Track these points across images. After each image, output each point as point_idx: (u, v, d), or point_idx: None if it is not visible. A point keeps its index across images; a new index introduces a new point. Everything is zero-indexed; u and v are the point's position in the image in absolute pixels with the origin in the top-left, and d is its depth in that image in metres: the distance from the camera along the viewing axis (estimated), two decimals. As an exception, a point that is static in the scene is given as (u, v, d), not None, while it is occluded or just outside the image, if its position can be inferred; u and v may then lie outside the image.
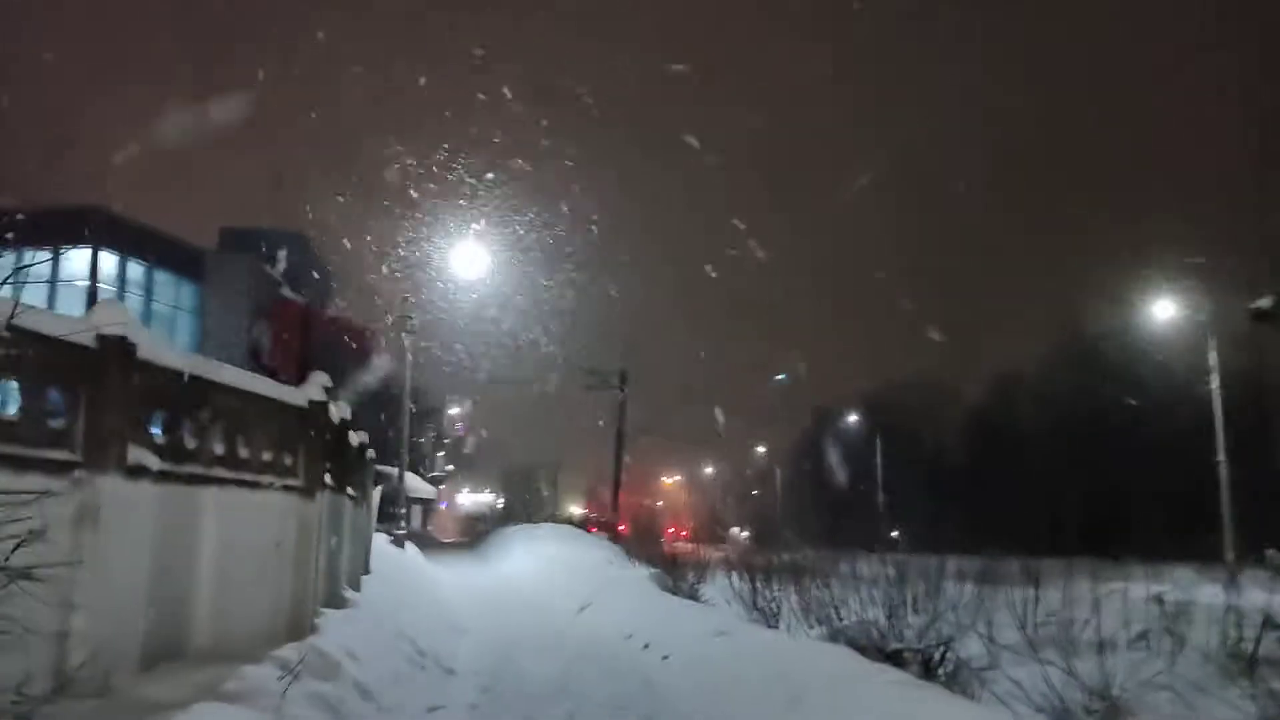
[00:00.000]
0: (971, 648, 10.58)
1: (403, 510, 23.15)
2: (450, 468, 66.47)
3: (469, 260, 25.88)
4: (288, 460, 7.16)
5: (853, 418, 67.30)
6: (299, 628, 7.08)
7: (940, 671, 10.09)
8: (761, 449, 79.24)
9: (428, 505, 55.95)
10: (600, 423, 41.53)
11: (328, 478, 8.62)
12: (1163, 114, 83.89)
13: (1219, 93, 74.39)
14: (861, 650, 10.59)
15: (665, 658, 10.50)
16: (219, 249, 34.41)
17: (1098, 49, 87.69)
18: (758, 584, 16.90)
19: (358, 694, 6.40)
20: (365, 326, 41.82)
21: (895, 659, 10.42)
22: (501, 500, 68.20)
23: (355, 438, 11.63)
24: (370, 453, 14.08)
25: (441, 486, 72.87)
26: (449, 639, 11.88)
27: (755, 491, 77.94)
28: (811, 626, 13.88)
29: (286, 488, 7.08)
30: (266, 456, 6.88)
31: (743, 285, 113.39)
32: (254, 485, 6.67)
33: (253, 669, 5.50)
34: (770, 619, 15.04)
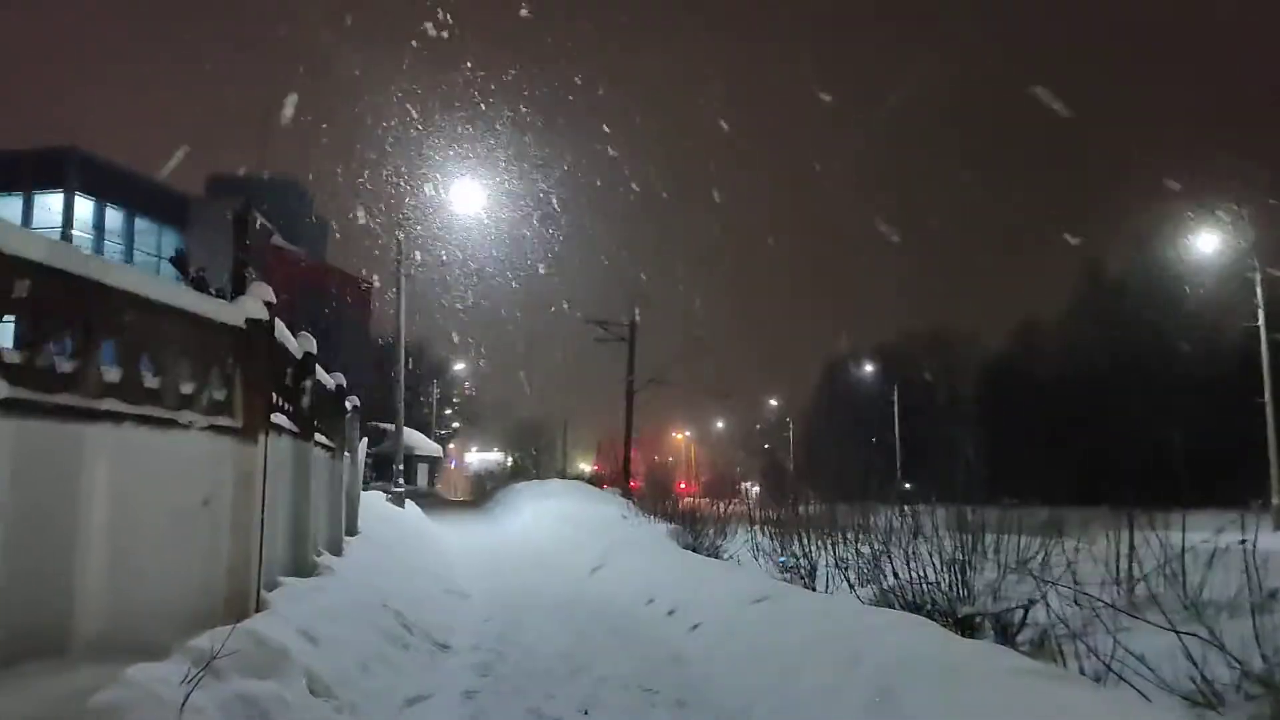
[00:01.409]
0: (1052, 610, 9.11)
1: (401, 466, 21.69)
2: (456, 425, 65.32)
3: (470, 201, 24.14)
4: (218, 394, 5.59)
5: (867, 368, 65.82)
6: (240, 605, 5.57)
7: (1021, 638, 8.60)
8: (774, 402, 77.73)
9: (434, 463, 54.73)
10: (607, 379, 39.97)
11: (283, 419, 7.08)
12: (1199, 44, 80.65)
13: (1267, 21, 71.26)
14: (925, 615, 9.11)
15: (695, 627, 9.01)
16: (206, 197, 32.74)
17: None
18: (788, 539, 15.51)
19: (307, 690, 4.90)
20: (364, 279, 40.26)
21: (967, 625, 8.93)
22: (510, 459, 67.14)
23: (330, 379, 10.09)
24: (354, 400, 12.56)
25: (450, 445, 71.87)
26: (446, 607, 10.42)
27: (766, 445, 76.65)
28: (853, 587, 12.42)
29: (216, 428, 5.52)
30: (186, 388, 5.32)
31: (757, 235, 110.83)
32: (168, 424, 5.12)
33: (148, 669, 3.99)
34: (806, 578, 13.61)
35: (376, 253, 26.02)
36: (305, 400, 7.97)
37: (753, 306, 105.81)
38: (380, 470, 45.64)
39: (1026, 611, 8.98)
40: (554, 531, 20.35)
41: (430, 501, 34.58)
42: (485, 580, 14.41)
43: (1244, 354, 34.76)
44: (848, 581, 13.25)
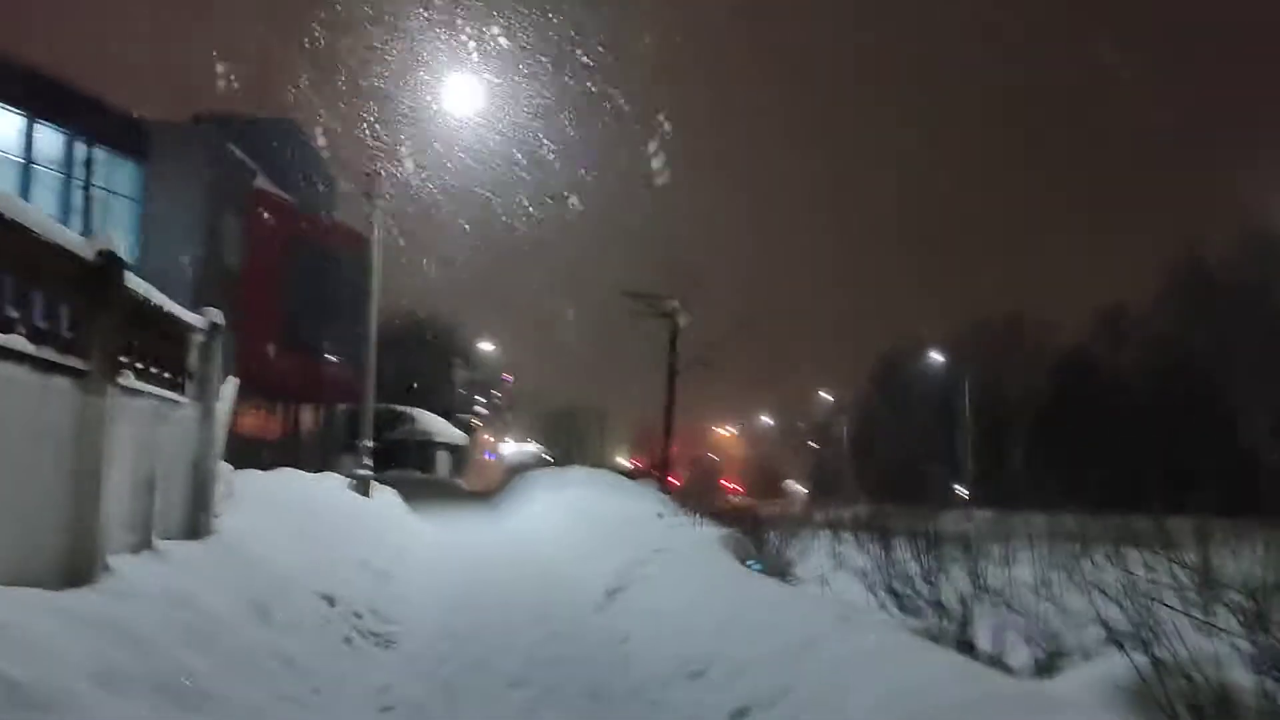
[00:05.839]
0: None
1: (369, 443, 16.75)
2: (482, 410, 60.64)
3: (465, 106, 19.01)
4: None
5: (932, 359, 59.70)
6: None
7: None
8: (825, 395, 71.71)
9: (457, 451, 49.96)
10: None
11: None
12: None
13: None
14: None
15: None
16: (189, 131, 28.03)
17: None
18: (890, 556, 10.64)
19: None
20: (367, 236, 35.35)
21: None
22: (546, 451, 62.54)
23: (98, 242, 5.08)
24: (214, 316, 7.58)
25: (487, 436, 67.37)
26: (304, 691, 5.42)
27: (812, 443, 71.19)
28: (1046, 662, 7.31)
29: None
30: None
31: (812, 216, 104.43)
32: None
33: None
34: (952, 622, 8.50)
35: (393, 226, 20.92)
36: None
37: (804, 295, 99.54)
38: (396, 457, 41.01)
39: None
40: (566, 532, 15.34)
41: (438, 491, 29.77)
42: (441, 610, 9.38)
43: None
44: (1007, 625, 8.25)
